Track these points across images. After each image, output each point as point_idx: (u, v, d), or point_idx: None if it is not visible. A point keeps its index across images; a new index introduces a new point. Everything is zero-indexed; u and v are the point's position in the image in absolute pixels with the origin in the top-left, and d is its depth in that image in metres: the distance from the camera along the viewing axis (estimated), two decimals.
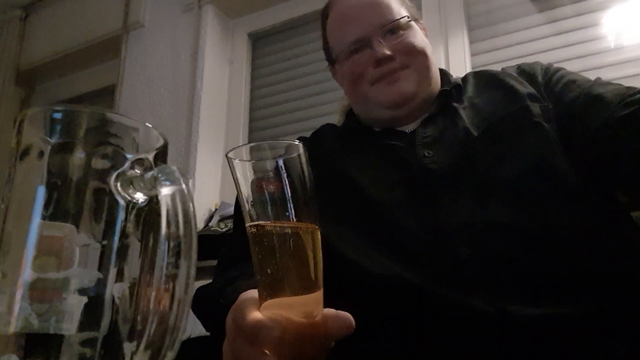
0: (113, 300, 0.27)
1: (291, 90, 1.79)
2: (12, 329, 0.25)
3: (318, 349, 0.36)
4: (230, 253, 0.69)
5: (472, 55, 1.49)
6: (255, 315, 0.37)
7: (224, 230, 1.45)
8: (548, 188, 0.58)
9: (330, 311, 0.37)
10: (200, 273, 0.59)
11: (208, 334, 0.62)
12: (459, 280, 0.53)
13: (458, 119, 0.67)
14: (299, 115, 1.75)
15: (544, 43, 1.39)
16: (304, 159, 0.37)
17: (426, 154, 0.64)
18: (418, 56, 0.72)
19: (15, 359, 0.25)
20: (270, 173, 0.37)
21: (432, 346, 0.52)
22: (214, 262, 0.69)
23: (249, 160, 0.37)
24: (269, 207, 0.37)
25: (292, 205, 0.36)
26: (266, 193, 0.37)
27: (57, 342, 0.25)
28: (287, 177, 0.37)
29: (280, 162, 0.37)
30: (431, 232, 0.57)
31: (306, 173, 0.37)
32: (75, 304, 0.26)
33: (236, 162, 0.38)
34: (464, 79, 0.77)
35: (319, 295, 0.37)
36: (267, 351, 0.35)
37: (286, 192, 0.36)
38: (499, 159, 0.60)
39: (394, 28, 0.72)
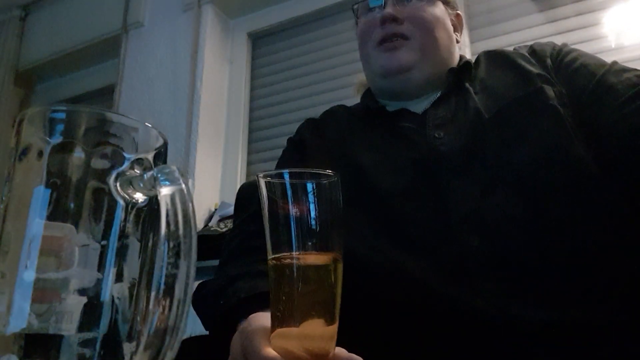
0: (112, 301, 0.27)
1: (291, 90, 1.79)
2: (12, 329, 0.25)
3: None
4: (231, 247, 0.68)
5: (473, 54, 1.49)
6: (268, 351, 0.36)
7: (224, 230, 1.45)
8: (561, 177, 0.55)
9: (343, 352, 0.36)
10: (200, 273, 0.59)
11: (208, 333, 0.62)
12: (465, 271, 0.52)
13: (470, 99, 0.65)
14: (299, 115, 1.74)
15: None
16: (335, 188, 0.36)
17: (436, 135, 0.62)
18: (424, 30, 0.70)
19: (14, 359, 0.25)
20: (299, 198, 0.36)
21: (431, 346, 0.51)
22: (214, 262, 0.69)
23: (278, 181, 0.36)
24: (293, 232, 0.35)
25: (317, 233, 0.35)
26: (291, 217, 0.35)
27: (57, 342, 0.25)
28: (316, 204, 0.36)
29: (310, 188, 0.36)
30: (438, 219, 0.56)
31: (335, 202, 0.36)
32: (75, 304, 0.26)
33: (263, 182, 0.37)
34: (477, 59, 0.75)
35: (334, 329, 0.36)
36: None
37: (312, 218, 0.35)
38: (510, 143, 0.58)
39: None
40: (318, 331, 0.35)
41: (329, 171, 0.37)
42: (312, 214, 0.36)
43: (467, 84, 0.68)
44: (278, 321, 0.36)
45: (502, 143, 0.59)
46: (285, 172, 0.37)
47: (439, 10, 0.74)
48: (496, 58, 0.72)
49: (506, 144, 0.59)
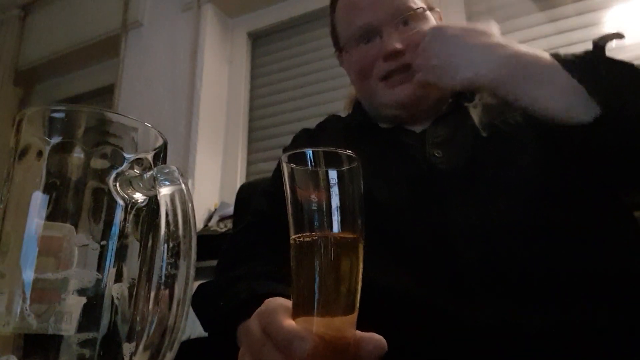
0: (112, 301, 0.27)
1: (291, 90, 1.79)
2: (11, 329, 0.25)
3: None
4: (232, 251, 0.68)
5: None
6: (291, 323, 0.36)
7: (224, 230, 1.45)
8: (557, 190, 0.56)
9: (362, 334, 0.36)
10: (200, 273, 0.59)
11: (207, 335, 0.61)
12: (464, 285, 0.52)
13: (468, 118, 0.66)
14: (299, 115, 1.74)
15: (545, 42, 1.39)
16: (357, 173, 0.37)
17: (436, 154, 0.63)
18: None
19: (14, 359, 0.25)
20: (321, 183, 0.36)
21: None
22: (214, 263, 0.69)
23: (301, 167, 0.37)
24: (315, 218, 0.35)
25: (339, 219, 0.35)
26: (314, 202, 0.36)
27: (56, 342, 0.25)
28: (338, 190, 0.36)
29: (333, 174, 0.36)
30: (435, 234, 0.56)
31: (357, 188, 0.37)
32: (74, 304, 0.26)
33: (286, 166, 0.37)
34: None
35: (354, 318, 0.36)
36: None
37: (334, 204, 0.35)
38: (507, 159, 0.59)
39: (408, 19, 0.68)
40: (340, 322, 0.35)
41: (348, 151, 0.37)
42: (334, 198, 0.36)
43: (465, 103, 0.68)
44: (298, 308, 0.36)
45: (499, 160, 0.59)
46: (309, 152, 0.37)
47: (432, 23, 0.72)
48: None
49: (503, 161, 0.59)
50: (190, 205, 0.26)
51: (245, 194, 0.96)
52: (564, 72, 0.53)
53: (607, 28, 1.33)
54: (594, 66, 0.53)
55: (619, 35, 0.61)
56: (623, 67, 0.53)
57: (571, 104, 0.52)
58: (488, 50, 0.57)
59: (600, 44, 0.56)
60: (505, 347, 0.48)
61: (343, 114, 0.83)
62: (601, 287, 0.50)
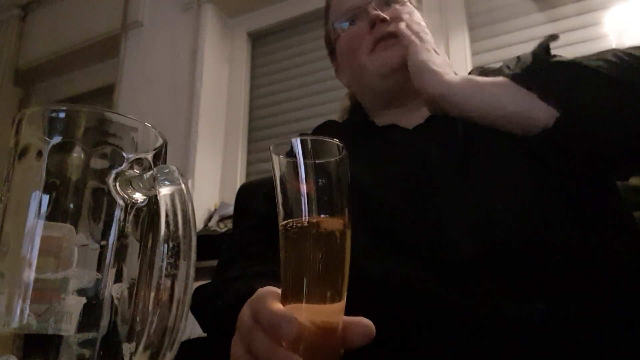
0: (112, 301, 0.27)
1: (291, 90, 1.79)
2: (11, 329, 0.25)
3: (332, 357, 0.36)
4: (230, 252, 0.68)
5: (473, 54, 1.49)
6: (279, 306, 0.36)
7: (224, 230, 1.45)
8: (550, 179, 0.57)
9: (351, 318, 0.37)
10: (200, 273, 0.59)
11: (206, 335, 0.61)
12: (459, 274, 0.52)
13: None
14: (299, 115, 1.74)
15: None
16: (343, 161, 0.37)
17: (428, 147, 0.64)
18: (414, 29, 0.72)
19: (14, 359, 0.25)
20: (309, 171, 0.36)
21: (429, 350, 0.51)
22: (214, 263, 0.69)
23: (288, 158, 0.37)
24: (303, 206, 0.36)
25: (326, 207, 0.36)
26: (302, 192, 0.36)
27: (56, 342, 0.25)
28: (325, 178, 0.36)
29: (320, 163, 0.36)
30: (431, 225, 0.56)
31: (344, 175, 0.37)
32: (74, 304, 0.26)
33: (274, 157, 0.37)
34: (470, 74, 0.76)
35: (342, 305, 0.36)
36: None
37: (321, 192, 0.36)
38: (499, 151, 0.60)
39: (391, 1, 0.73)
40: (328, 309, 0.36)
41: (335, 140, 0.37)
42: (320, 187, 0.36)
43: None
44: (287, 297, 0.37)
45: (493, 151, 0.60)
46: (297, 141, 0.37)
47: (416, 12, 0.75)
48: (487, 75, 0.73)
49: (497, 150, 0.60)
50: (190, 205, 0.26)
51: (245, 194, 0.96)
52: (514, 85, 0.58)
53: (607, 28, 1.33)
54: (542, 71, 0.57)
55: (553, 37, 0.67)
56: (569, 66, 0.57)
57: (529, 110, 0.56)
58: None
59: (540, 50, 0.62)
60: (500, 337, 0.48)
61: (340, 120, 0.84)
62: (595, 276, 0.50)
